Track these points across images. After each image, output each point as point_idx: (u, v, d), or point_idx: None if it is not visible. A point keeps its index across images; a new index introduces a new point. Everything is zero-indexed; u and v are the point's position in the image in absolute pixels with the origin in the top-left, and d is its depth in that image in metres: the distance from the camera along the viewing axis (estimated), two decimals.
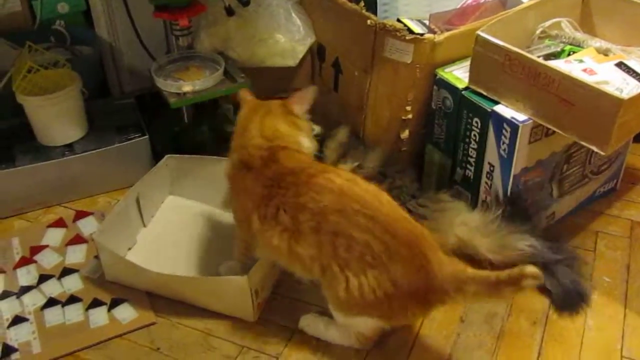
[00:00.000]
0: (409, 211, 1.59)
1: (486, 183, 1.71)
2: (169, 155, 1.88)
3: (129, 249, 1.76)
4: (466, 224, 1.67)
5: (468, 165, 1.75)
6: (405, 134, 1.84)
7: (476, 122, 1.67)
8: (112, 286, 1.65)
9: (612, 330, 1.54)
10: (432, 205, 1.70)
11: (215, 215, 1.87)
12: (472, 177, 1.74)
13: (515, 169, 1.62)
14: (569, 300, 1.59)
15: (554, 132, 1.57)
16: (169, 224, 1.86)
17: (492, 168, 1.68)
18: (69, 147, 1.93)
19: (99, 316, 1.58)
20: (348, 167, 1.72)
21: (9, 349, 1.50)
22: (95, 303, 1.61)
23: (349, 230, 1.30)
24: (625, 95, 1.45)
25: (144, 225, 1.83)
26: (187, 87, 1.83)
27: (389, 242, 1.29)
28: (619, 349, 1.50)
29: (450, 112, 1.74)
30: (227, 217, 1.75)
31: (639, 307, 1.59)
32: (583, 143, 1.51)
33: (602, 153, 1.48)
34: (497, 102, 1.63)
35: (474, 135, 1.69)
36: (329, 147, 1.78)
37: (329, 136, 1.81)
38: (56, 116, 1.90)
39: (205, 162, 1.87)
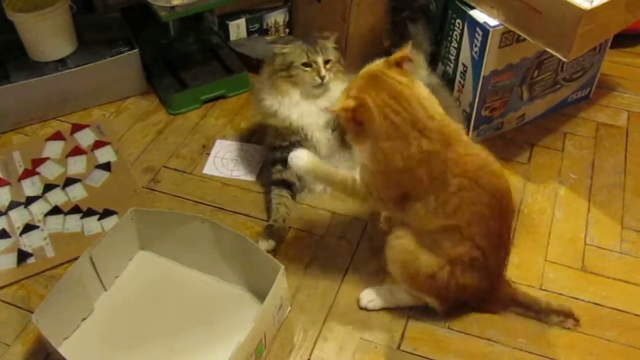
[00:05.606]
0: None
1: (459, 82, 1.83)
2: (132, 208, 1.54)
3: (84, 319, 1.46)
4: None
5: (449, 62, 1.86)
6: (387, 42, 1.92)
7: (458, 23, 1.76)
8: (114, 196, 1.73)
9: (577, 221, 1.69)
10: None
11: (191, 278, 1.55)
12: (450, 73, 1.86)
13: (486, 70, 1.73)
14: None
15: (524, 38, 1.66)
16: (135, 286, 1.54)
17: (465, 68, 1.79)
18: (62, 62, 1.97)
19: (110, 224, 1.65)
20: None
21: (24, 255, 1.60)
22: (106, 213, 1.70)
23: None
24: (588, 5, 1.50)
25: (105, 289, 1.52)
26: (176, 1, 1.86)
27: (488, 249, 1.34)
28: (583, 237, 1.64)
29: (433, 15, 1.84)
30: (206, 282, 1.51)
31: (602, 201, 1.74)
32: (547, 49, 1.61)
33: (565, 60, 1.58)
34: (474, 7, 1.72)
35: (456, 35, 1.79)
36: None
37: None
38: (47, 32, 1.93)
39: (175, 218, 1.54)
